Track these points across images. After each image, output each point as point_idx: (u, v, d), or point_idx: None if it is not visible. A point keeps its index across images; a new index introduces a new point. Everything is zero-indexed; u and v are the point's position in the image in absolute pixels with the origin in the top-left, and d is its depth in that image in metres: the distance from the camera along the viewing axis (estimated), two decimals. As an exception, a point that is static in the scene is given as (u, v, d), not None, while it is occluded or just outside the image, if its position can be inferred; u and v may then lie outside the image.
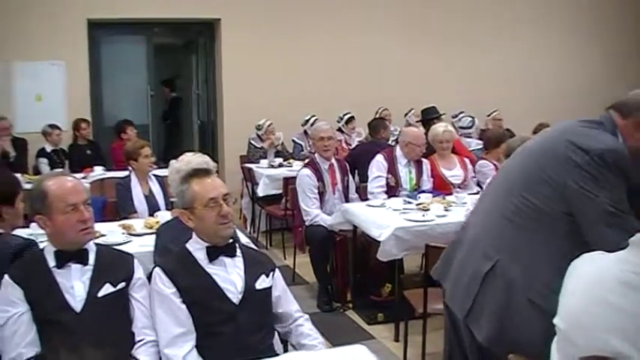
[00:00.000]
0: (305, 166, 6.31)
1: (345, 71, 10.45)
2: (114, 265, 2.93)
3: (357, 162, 7.17)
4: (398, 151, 6.32)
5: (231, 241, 3.02)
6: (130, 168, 5.81)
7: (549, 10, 11.58)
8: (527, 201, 2.67)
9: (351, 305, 5.87)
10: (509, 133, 7.70)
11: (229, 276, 2.93)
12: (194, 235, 3.00)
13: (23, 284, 2.73)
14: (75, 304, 2.76)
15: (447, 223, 5.00)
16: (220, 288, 2.88)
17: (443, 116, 8.43)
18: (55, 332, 2.69)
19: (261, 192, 7.89)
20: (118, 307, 2.86)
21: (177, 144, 12.22)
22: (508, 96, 10.87)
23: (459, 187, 6.26)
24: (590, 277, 2.19)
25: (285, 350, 3.13)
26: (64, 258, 2.81)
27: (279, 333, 3.13)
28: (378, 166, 6.28)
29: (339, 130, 9.11)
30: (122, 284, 2.88)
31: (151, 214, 5.28)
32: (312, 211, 6.00)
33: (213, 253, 2.94)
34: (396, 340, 5.11)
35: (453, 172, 6.39)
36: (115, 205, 5.80)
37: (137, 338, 2.84)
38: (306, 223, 6.03)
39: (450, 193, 5.99)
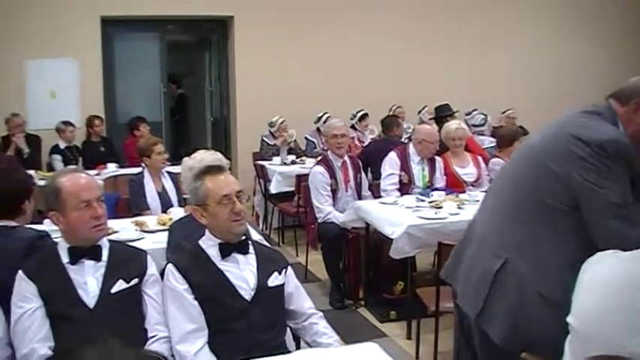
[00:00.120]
0: (318, 163, 6.31)
1: (358, 69, 10.43)
2: (127, 261, 2.94)
3: (369, 159, 7.17)
4: (411, 149, 6.30)
5: (243, 238, 3.02)
6: (143, 165, 5.83)
7: (568, 8, 11.55)
8: (531, 197, 2.66)
9: (363, 303, 5.86)
10: (523, 131, 7.67)
11: (242, 273, 2.93)
12: (207, 232, 3.00)
13: (37, 280, 2.74)
14: (88, 300, 2.77)
15: (459, 220, 4.98)
16: (232, 285, 2.88)
17: (456, 114, 8.41)
18: (68, 328, 2.70)
19: (273, 189, 7.89)
20: (130, 304, 2.86)
21: (185, 141, 12.24)
22: (522, 94, 10.83)
23: (472, 185, 6.24)
24: (606, 275, 2.18)
25: (298, 347, 3.13)
26: (77, 254, 2.82)
27: (291, 330, 3.12)
28: (391, 163, 6.26)
29: (353, 127, 9.09)
30: (135, 280, 2.89)
31: (164, 211, 5.29)
32: (325, 209, 5.99)
33: (225, 250, 2.94)
34: (409, 337, 5.11)
35: (466, 170, 6.37)
36: (128, 201, 5.82)
37: (150, 334, 2.85)
38: (319, 221, 6.03)
39: (463, 191, 5.97)
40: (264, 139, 8.98)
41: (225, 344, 2.80)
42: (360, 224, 5.69)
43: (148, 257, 3.04)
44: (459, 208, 5.29)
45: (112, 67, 10.02)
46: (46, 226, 3.79)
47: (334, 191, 6.11)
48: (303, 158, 8.48)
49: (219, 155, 3.92)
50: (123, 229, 4.55)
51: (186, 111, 12.73)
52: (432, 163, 6.28)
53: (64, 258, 2.82)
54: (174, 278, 2.86)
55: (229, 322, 2.83)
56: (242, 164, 9.81)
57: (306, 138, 9.19)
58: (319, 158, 6.56)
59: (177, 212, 4.86)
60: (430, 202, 5.44)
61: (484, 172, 6.41)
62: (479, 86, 10.76)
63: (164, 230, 4.41)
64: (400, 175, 6.19)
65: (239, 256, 2.96)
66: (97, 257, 2.85)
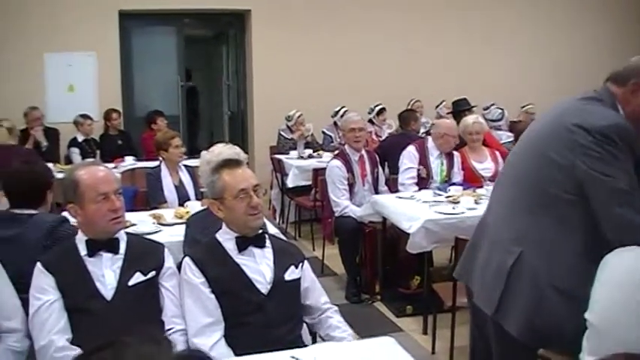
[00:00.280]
0: (335, 157, 6.30)
1: (375, 63, 10.41)
2: (144, 254, 2.95)
3: (387, 154, 7.15)
4: (430, 143, 6.28)
5: (260, 231, 3.02)
6: (160, 158, 5.84)
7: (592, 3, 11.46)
8: (535, 187, 2.65)
9: (379, 297, 5.86)
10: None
11: (258, 266, 2.93)
12: (224, 226, 3.00)
13: (55, 272, 2.76)
14: (106, 293, 2.78)
15: (477, 216, 4.88)
16: (249, 278, 2.88)
17: (474, 108, 8.37)
18: (85, 320, 2.72)
19: (290, 183, 7.90)
20: (148, 296, 2.87)
21: (195, 133, 12.22)
22: (539, 89, 10.75)
23: (490, 180, 6.19)
24: (622, 272, 2.17)
25: (314, 341, 3.12)
26: (95, 247, 2.83)
27: (307, 324, 3.13)
28: (409, 157, 6.24)
29: (370, 121, 9.07)
30: (152, 273, 2.90)
31: (181, 204, 5.30)
32: (342, 202, 5.98)
33: (242, 244, 2.94)
34: (425, 332, 5.09)
35: (484, 165, 6.33)
36: (145, 195, 5.84)
37: (166, 327, 2.85)
38: (336, 215, 6.03)
39: (481, 186, 5.94)
40: (282, 133, 8.99)
41: (242, 338, 2.80)
42: (377, 218, 5.69)
43: (165, 250, 3.05)
44: (476, 203, 5.26)
45: (130, 61, 10.06)
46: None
47: (351, 185, 6.10)
48: (320, 152, 8.48)
49: (237, 149, 3.91)
50: (140, 222, 4.57)
51: (196, 104, 12.69)
52: (449, 157, 6.26)
53: (82, 250, 2.83)
54: (191, 271, 2.86)
55: (246, 315, 2.83)
56: (259, 158, 9.82)
57: (323, 132, 9.18)
58: (336, 152, 6.55)
59: (194, 205, 4.88)
60: (447, 197, 5.42)
61: (501, 167, 6.36)
62: (497, 81, 10.71)
63: (181, 223, 4.43)
64: (419, 170, 6.17)
65: (256, 250, 2.96)
66: (114, 250, 2.86)
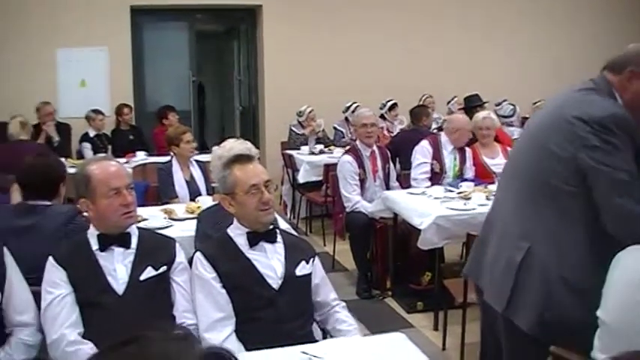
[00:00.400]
0: (346, 152, 6.29)
1: (387, 58, 10.39)
2: (156, 248, 2.96)
3: (398, 150, 7.14)
4: (443, 138, 6.26)
5: (271, 227, 3.02)
6: (171, 153, 5.85)
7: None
8: (536, 181, 2.65)
9: (390, 293, 5.85)
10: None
11: (270, 262, 2.93)
12: (235, 221, 3.00)
13: (67, 266, 2.77)
14: (117, 287, 2.79)
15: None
16: (260, 273, 2.88)
17: (486, 104, 8.34)
18: (97, 314, 2.73)
19: (301, 178, 7.90)
20: (159, 291, 2.88)
21: (201, 128, 12.21)
22: (554, 85, 10.69)
23: (501, 176, 6.18)
24: (633, 270, 2.16)
25: (325, 337, 3.13)
26: (106, 241, 2.84)
27: (315, 321, 3.12)
28: (423, 152, 6.22)
29: (382, 117, 9.06)
30: (164, 268, 2.90)
31: (192, 199, 5.31)
32: (353, 198, 5.98)
33: (253, 239, 2.94)
34: (435, 329, 5.08)
35: (496, 161, 6.30)
36: (156, 189, 5.85)
37: (177, 322, 2.85)
38: (347, 210, 6.02)
39: (492, 182, 5.90)
40: (293, 128, 8.98)
41: (253, 333, 2.80)
42: (388, 214, 5.68)
43: (177, 245, 3.06)
44: (488, 199, 5.22)
45: (142, 56, 10.08)
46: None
47: (362, 181, 6.09)
48: (331, 148, 8.46)
49: (248, 144, 3.92)
50: (152, 216, 4.58)
51: (202, 100, 12.68)
52: (462, 153, 6.24)
53: (94, 245, 2.84)
54: (203, 266, 2.87)
55: (257, 310, 2.84)
56: (270, 153, 9.82)
57: (334, 128, 9.16)
58: (348, 148, 6.54)
59: (205, 200, 4.89)
60: (459, 193, 5.40)
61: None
62: (509, 77, 10.66)
63: (192, 218, 4.43)
64: (432, 164, 6.16)
65: (267, 245, 2.96)
66: (126, 244, 2.87)
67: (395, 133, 8.73)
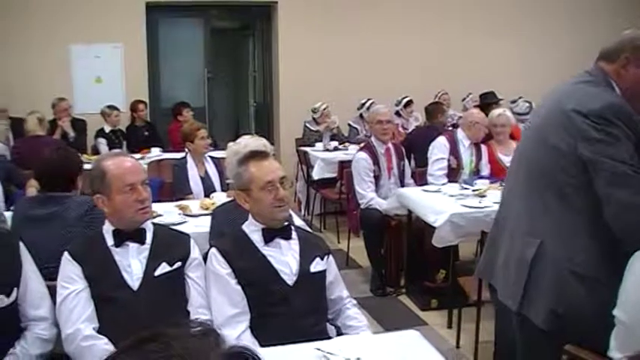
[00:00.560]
0: (361, 149, 6.28)
1: (402, 55, 10.34)
2: (171, 244, 2.96)
3: (413, 147, 7.13)
4: (460, 134, 6.24)
5: (286, 223, 3.02)
6: (186, 149, 5.86)
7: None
8: (541, 175, 2.66)
9: (404, 290, 5.85)
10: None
11: (284, 258, 2.93)
12: (250, 217, 3.00)
13: (82, 261, 2.78)
14: (132, 283, 2.80)
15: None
16: (275, 270, 2.88)
17: (501, 102, 8.31)
18: (111, 310, 2.75)
19: (316, 175, 7.89)
20: (174, 287, 2.89)
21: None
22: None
23: (517, 174, 6.15)
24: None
25: (339, 334, 3.12)
26: (121, 237, 2.85)
27: (328, 319, 3.12)
28: (440, 148, 6.19)
29: (397, 113, 9.04)
30: (178, 264, 2.91)
31: (207, 195, 5.32)
32: (368, 195, 5.97)
33: (268, 235, 2.94)
34: (449, 326, 5.07)
35: (511, 158, 6.27)
36: (171, 186, 5.86)
37: (192, 317, 2.86)
38: (361, 207, 6.01)
39: (508, 179, 5.89)
40: (307, 125, 8.98)
41: (267, 329, 2.81)
42: (403, 211, 5.66)
43: (192, 241, 3.06)
44: (503, 196, 5.22)
45: (157, 53, 10.09)
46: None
47: (377, 178, 6.09)
48: (346, 144, 8.45)
49: (263, 141, 3.92)
50: (166, 212, 4.59)
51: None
52: (478, 149, 6.22)
53: (109, 240, 2.85)
54: (218, 262, 2.87)
55: (271, 306, 2.84)
56: (285, 150, 9.82)
57: (349, 124, 9.15)
58: (362, 144, 6.53)
59: (220, 197, 4.90)
60: (474, 191, 5.38)
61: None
62: (524, 74, 10.60)
63: (207, 214, 4.44)
64: (449, 160, 6.13)
65: (282, 242, 2.96)
66: (141, 240, 2.88)
67: (410, 130, 8.71)
